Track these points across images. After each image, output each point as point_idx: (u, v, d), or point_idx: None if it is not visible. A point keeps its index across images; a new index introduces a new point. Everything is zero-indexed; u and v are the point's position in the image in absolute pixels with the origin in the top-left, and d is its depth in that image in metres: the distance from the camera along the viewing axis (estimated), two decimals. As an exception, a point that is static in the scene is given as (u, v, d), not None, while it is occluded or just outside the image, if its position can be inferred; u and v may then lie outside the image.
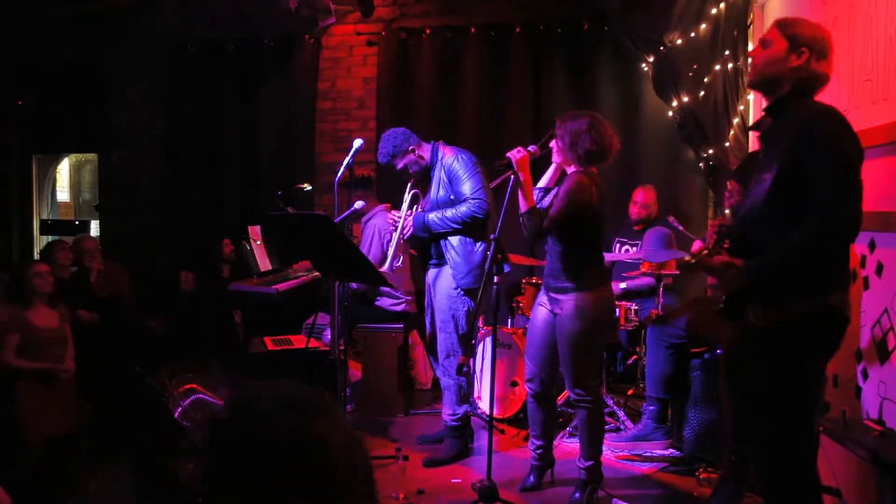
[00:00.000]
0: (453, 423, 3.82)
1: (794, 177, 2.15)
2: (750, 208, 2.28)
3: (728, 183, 3.67)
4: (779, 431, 2.19)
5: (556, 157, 3.28)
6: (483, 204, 3.68)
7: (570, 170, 3.24)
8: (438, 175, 3.81)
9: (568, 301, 3.18)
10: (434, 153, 3.85)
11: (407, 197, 3.85)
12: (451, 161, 3.77)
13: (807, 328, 2.15)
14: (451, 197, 3.76)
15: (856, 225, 2.13)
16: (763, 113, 2.40)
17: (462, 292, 3.76)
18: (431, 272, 3.95)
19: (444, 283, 3.81)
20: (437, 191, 3.81)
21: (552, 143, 3.27)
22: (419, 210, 3.87)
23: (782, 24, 2.33)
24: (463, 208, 3.69)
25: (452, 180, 3.76)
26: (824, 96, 3.25)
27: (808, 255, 2.12)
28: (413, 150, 3.82)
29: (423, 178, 3.88)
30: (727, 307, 2.31)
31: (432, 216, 3.75)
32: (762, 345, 2.24)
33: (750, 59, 2.44)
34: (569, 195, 3.12)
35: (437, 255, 3.88)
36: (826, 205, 2.09)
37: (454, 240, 3.75)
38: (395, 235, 3.77)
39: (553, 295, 3.24)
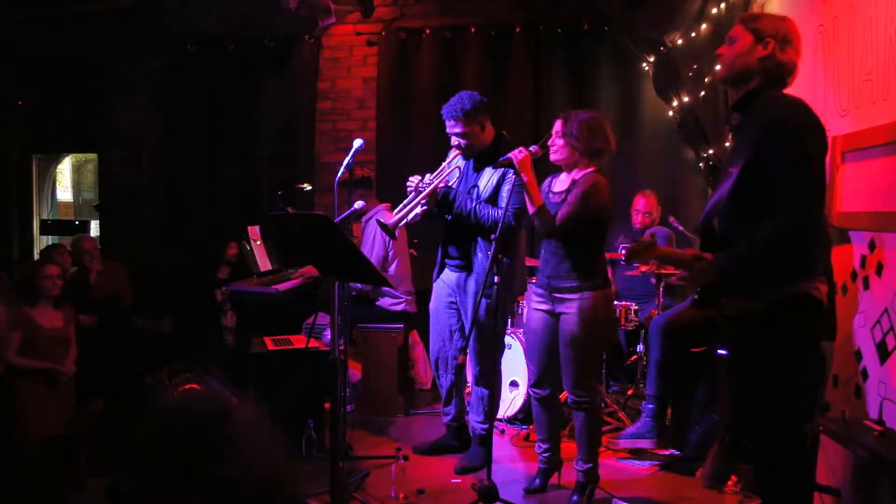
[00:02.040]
0: (482, 432, 3.75)
1: (759, 170, 2.19)
2: (717, 200, 2.32)
3: None
4: (767, 424, 2.21)
5: (554, 156, 3.24)
6: (514, 221, 3.50)
7: (578, 170, 3.22)
8: (497, 171, 3.58)
9: (575, 301, 3.16)
10: (498, 141, 3.65)
11: (448, 166, 3.62)
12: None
13: (778, 317, 2.19)
14: (491, 197, 3.62)
15: (817, 217, 2.19)
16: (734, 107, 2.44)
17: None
18: (454, 276, 3.79)
19: (475, 291, 3.66)
20: (486, 185, 3.63)
21: (551, 142, 3.24)
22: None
23: (746, 20, 2.38)
24: (499, 212, 3.49)
25: (504, 181, 3.57)
26: (825, 96, 3.26)
27: (775, 249, 2.16)
28: (483, 125, 3.64)
29: (467, 158, 3.67)
30: (702, 299, 2.36)
31: (466, 199, 3.59)
32: (741, 336, 2.29)
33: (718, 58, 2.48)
34: (587, 196, 3.09)
35: (464, 255, 3.71)
36: (790, 200, 2.13)
37: (484, 247, 3.59)
38: (419, 196, 3.51)
39: (557, 295, 3.21)
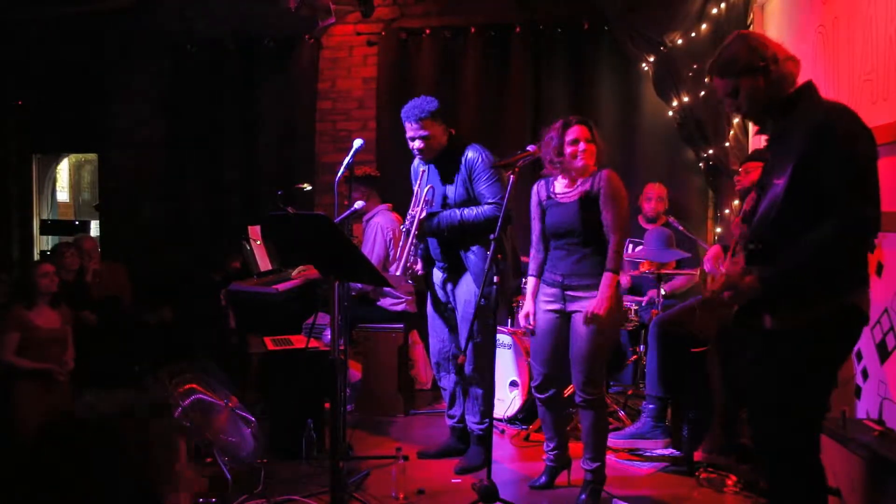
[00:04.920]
0: (479, 432, 3.74)
1: (809, 177, 2.09)
2: (766, 212, 2.21)
3: (744, 165, 3.73)
4: (789, 432, 2.17)
5: (582, 162, 3.21)
6: (502, 210, 3.44)
7: (588, 174, 3.23)
8: (460, 171, 3.62)
9: (589, 299, 3.15)
10: (452, 141, 3.68)
11: (421, 192, 3.68)
12: (476, 158, 3.60)
13: (824, 328, 2.11)
14: (470, 196, 3.62)
15: (873, 225, 2.08)
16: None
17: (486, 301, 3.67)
18: (442, 275, 3.80)
19: (467, 291, 3.67)
20: (455, 188, 3.64)
21: (580, 149, 3.20)
22: (427, 207, 3.71)
23: (723, 70, 2.27)
24: (485, 208, 3.55)
25: (475, 179, 3.60)
26: (825, 96, 3.25)
27: (824, 259, 2.08)
28: (445, 127, 3.65)
29: (428, 161, 3.69)
30: (741, 315, 2.25)
31: (448, 213, 3.61)
32: (777, 346, 2.18)
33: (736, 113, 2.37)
34: (621, 196, 3.17)
35: (448, 259, 3.72)
36: (842, 207, 2.03)
37: (474, 247, 3.61)
38: (410, 236, 3.61)
39: (571, 293, 3.21)
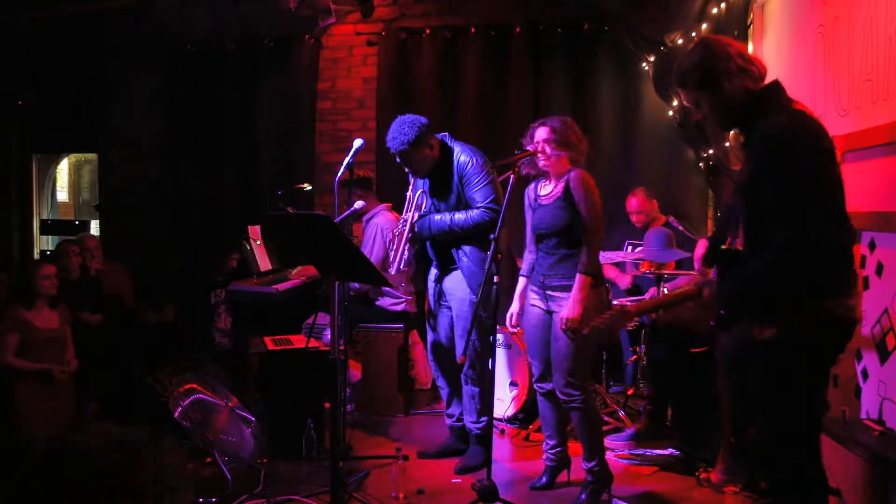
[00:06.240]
0: (478, 432, 3.76)
1: (757, 193, 2.08)
2: (723, 221, 2.26)
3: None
4: (784, 434, 2.17)
5: (544, 163, 3.23)
6: (495, 214, 3.49)
7: (563, 173, 3.23)
8: (452, 177, 3.64)
9: (566, 300, 3.16)
10: (443, 149, 3.69)
11: (413, 196, 3.74)
12: (467, 163, 3.61)
13: (802, 336, 2.09)
14: (462, 201, 3.64)
15: (816, 241, 2.00)
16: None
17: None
18: (436, 273, 3.84)
19: (461, 290, 3.68)
20: (447, 193, 3.66)
21: (540, 150, 3.21)
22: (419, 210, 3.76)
23: (682, 81, 2.23)
24: (474, 213, 3.57)
25: (466, 184, 3.61)
26: (825, 96, 3.26)
27: (777, 276, 2.05)
28: (430, 145, 3.65)
29: (425, 178, 3.75)
30: (720, 322, 2.24)
31: (439, 218, 3.64)
32: (762, 351, 2.18)
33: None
34: (593, 196, 3.16)
35: (443, 259, 3.75)
36: (781, 230, 2.01)
37: (467, 248, 3.63)
38: (403, 240, 3.67)
39: (550, 293, 3.24)
